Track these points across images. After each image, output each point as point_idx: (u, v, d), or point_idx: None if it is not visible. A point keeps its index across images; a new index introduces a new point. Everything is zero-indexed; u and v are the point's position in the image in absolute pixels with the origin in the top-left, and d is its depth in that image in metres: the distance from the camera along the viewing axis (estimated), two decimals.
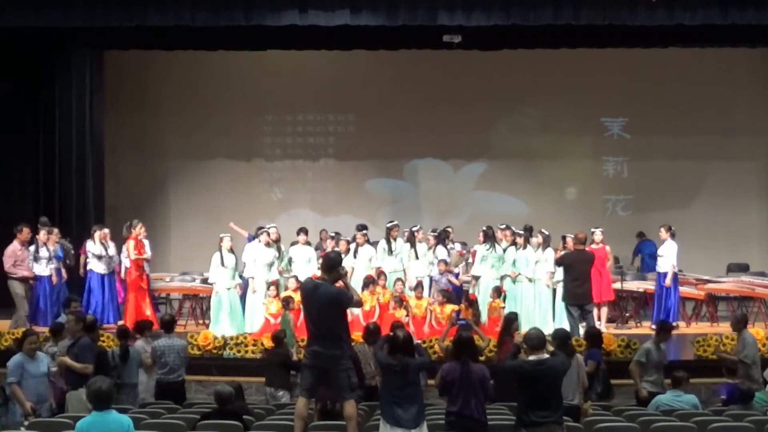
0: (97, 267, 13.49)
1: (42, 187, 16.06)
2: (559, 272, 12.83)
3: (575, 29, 13.71)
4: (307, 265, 13.25)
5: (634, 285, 14.38)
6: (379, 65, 16.85)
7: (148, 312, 13.21)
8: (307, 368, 7.79)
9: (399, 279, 12.98)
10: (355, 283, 12.67)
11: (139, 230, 13.34)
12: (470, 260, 13.97)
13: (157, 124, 17.55)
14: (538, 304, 13.16)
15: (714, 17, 13.17)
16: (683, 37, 14.64)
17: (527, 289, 13.23)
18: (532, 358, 7.21)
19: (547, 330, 10.21)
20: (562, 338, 8.70)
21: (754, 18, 13.13)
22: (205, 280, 14.62)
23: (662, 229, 13.66)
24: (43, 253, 13.19)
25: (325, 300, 7.67)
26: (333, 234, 13.97)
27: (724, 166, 17.30)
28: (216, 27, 13.65)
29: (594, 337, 10.19)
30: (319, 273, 11.87)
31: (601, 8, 13.17)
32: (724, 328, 13.27)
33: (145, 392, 9.83)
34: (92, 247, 13.50)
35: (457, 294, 13.15)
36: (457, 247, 14.03)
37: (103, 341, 11.26)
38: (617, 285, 13.84)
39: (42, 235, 13.29)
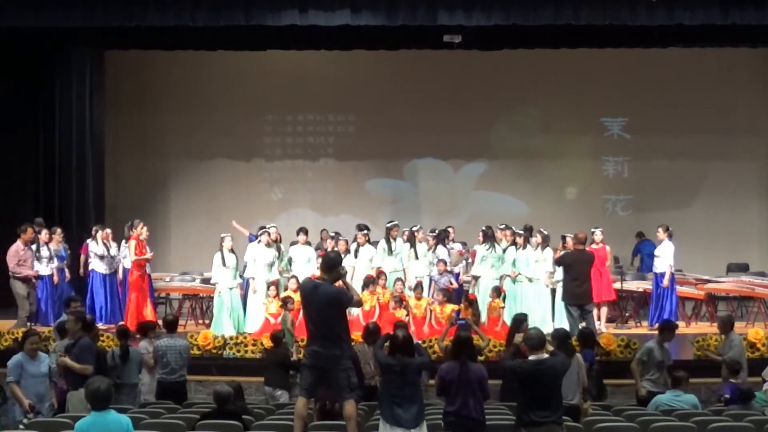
0: (99, 267, 13.50)
1: (42, 187, 16.06)
2: (559, 272, 12.83)
3: (575, 29, 13.71)
4: (307, 265, 13.26)
5: (633, 285, 14.38)
6: (379, 65, 16.86)
7: (147, 312, 13.18)
8: (306, 368, 7.78)
9: (399, 279, 12.98)
10: (356, 283, 12.70)
11: (140, 230, 13.33)
12: (470, 260, 13.98)
13: (158, 124, 17.55)
14: (537, 304, 13.16)
15: (714, 17, 13.17)
16: (683, 37, 14.65)
17: (527, 289, 13.23)
18: (531, 357, 7.21)
19: (547, 330, 10.22)
20: (561, 338, 8.70)
21: (754, 18, 13.13)
22: (205, 280, 14.63)
23: (660, 229, 13.67)
24: (44, 252, 13.20)
25: (325, 300, 7.67)
26: (333, 234, 13.96)
27: (724, 166, 17.31)
28: (216, 27, 13.65)
29: (587, 337, 10.17)
30: (318, 273, 11.97)
31: (601, 8, 13.17)
32: None
33: (148, 393, 9.83)
34: (94, 247, 13.50)
35: (457, 294, 13.16)
36: (457, 247, 14.02)
37: (103, 341, 11.28)
38: (617, 285, 13.84)
39: (43, 235, 13.29)
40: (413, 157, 17.81)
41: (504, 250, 13.41)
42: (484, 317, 12.43)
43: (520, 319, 10.25)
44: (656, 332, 12.13)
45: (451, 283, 13.23)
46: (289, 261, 13.49)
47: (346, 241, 13.46)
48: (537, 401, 7.11)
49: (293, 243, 13.67)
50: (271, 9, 13.38)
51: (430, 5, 13.26)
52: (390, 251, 13.46)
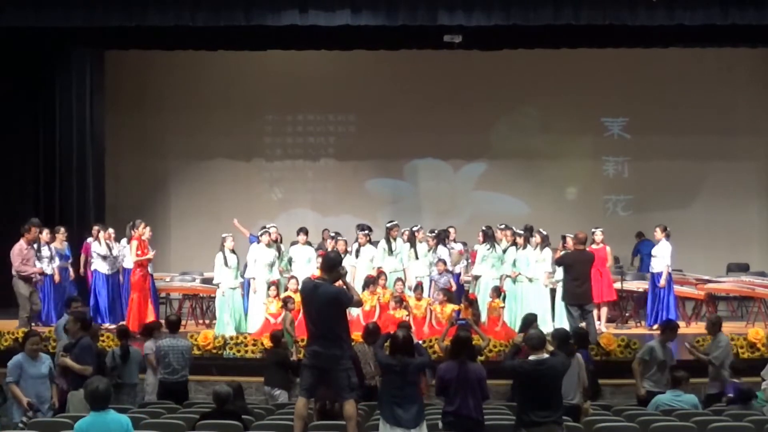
0: (102, 267, 13.51)
1: (42, 187, 16.07)
2: (558, 272, 12.84)
3: (575, 29, 13.71)
4: (307, 265, 13.26)
5: (634, 285, 14.38)
6: (379, 65, 16.87)
7: (148, 312, 13.18)
8: (306, 368, 7.78)
9: (399, 279, 12.98)
10: (357, 283, 12.70)
11: (142, 230, 13.33)
12: (469, 260, 13.97)
13: (158, 124, 17.56)
14: (537, 304, 13.14)
15: (714, 17, 13.17)
16: (683, 37, 14.65)
17: (527, 289, 13.22)
18: (532, 357, 7.21)
19: (547, 330, 10.21)
20: (562, 338, 8.70)
21: (754, 18, 13.13)
22: (205, 280, 14.65)
23: (657, 229, 13.68)
24: (45, 252, 13.20)
25: (325, 300, 7.66)
26: (333, 234, 13.96)
27: (724, 166, 17.32)
28: (216, 27, 13.64)
29: (581, 337, 10.15)
30: (317, 273, 11.98)
31: (601, 8, 13.17)
32: (725, 328, 13.14)
33: (152, 393, 9.83)
34: (97, 247, 13.51)
35: (457, 294, 13.16)
36: (458, 247, 14.01)
37: (103, 341, 11.28)
38: (617, 285, 13.84)
39: (44, 234, 13.29)
40: (413, 157, 17.82)
41: (504, 251, 13.41)
42: (484, 317, 12.42)
43: (530, 319, 10.25)
44: (655, 332, 12.21)
45: (451, 283, 13.23)
46: (290, 261, 13.49)
47: (345, 242, 13.45)
48: (537, 401, 7.10)
49: (293, 243, 13.67)
50: (271, 9, 13.38)
51: (430, 5, 13.26)
52: (390, 251, 13.45)
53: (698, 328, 13.49)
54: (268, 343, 10.86)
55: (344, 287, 8.04)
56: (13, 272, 12.68)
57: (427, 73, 17.07)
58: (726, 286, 14.58)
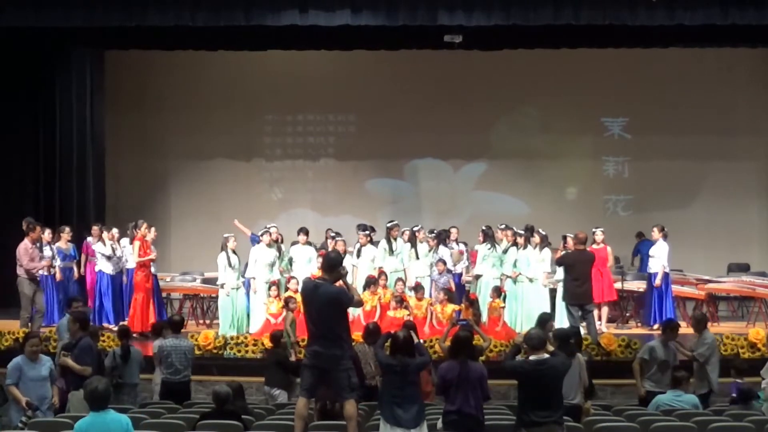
0: (106, 268, 13.52)
1: (42, 187, 16.07)
2: (558, 272, 12.85)
3: (575, 29, 13.70)
4: (307, 265, 13.27)
5: (634, 285, 14.38)
6: (379, 65, 16.86)
7: (151, 312, 13.20)
8: (307, 368, 7.77)
9: (400, 279, 12.98)
10: (358, 283, 12.70)
11: (144, 231, 13.32)
12: (470, 260, 13.96)
13: (158, 124, 17.56)
14: (538, 304, 13.15)
15: (714, 17, 13.17)
16: (683, 37, 14.65)
17: (527, 289, 13.23)
18: (532, 357, 7.21)
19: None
20: (563, 338, 8.69)
21: (754, 18, 13.12)
22: (205, 280, 14.67)
23: (655, 229, 13.70)
24: (47, 252, 13.20)
25: (326, 300, 7.66)
26: (333, 234, 13.95)
27: (724, 166, 17.32)
28: (216, 27, 13.63)
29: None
30: (317, 273, 11.97)
31: (601, 8, 13.16)
32: (725, 328, 13.31)
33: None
34: (101, 248, 13.51)
35: (458, 294, 13.16)
36: (457, 246, 14.00)
37: (104, 341, 11.29)
38: (618, 285, 13.84)
39: (46, 234, 13.29)
40: (413, 157, 17.82)
41: (505, 251, 13.41)
42: (484, 317, 12.42)
43: (545, 319, 10.23)
44: (655, 332, 12.21)
45: (451, 284, 13.24)
46: (290, 261, 13.49)
47: (344, 242, 13.43)
48: (537, 401, 7.10)
49: (294, 243, 13.67)
50: (271, 9, 13.37)
51: (431, 5, 13.25)
52: (391, 251, 13.45)
53: None
54: (268, 343, 10.86)
55: (345, 287, 8.04)
56: (19, 272, 12.61)
57: (427, 73, 17.07)
58: (726, 286, 14.59)
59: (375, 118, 17.50)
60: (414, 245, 13.53)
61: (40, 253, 13.05)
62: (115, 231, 13.80)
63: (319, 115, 17.94)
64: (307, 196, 17.93)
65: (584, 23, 13.32)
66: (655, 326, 12.97)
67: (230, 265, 12.89)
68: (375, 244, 13.67)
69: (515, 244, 13.39)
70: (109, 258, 13.51)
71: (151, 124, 17.58)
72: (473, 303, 12.19)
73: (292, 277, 12.81)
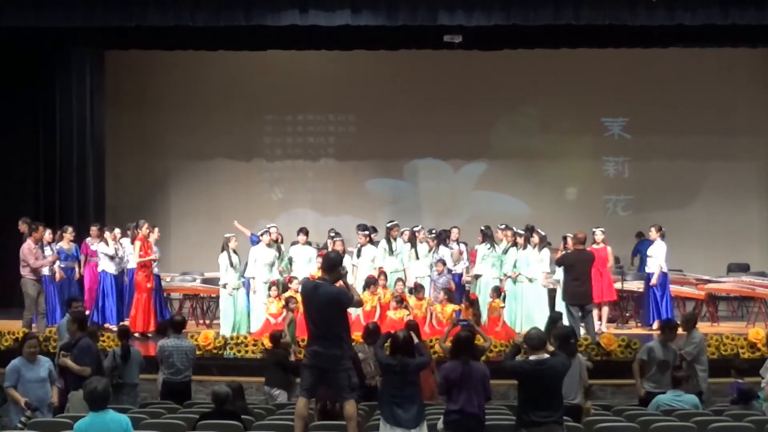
0: (109, 268, 13.54)
1: (42, 187, 16.07)
2: (557, 272, 12.86)
3: (575, 29, 13.70)
4: (307, 265, 13.27)
5: (634, 285, 14.38)
6: (379, 65, 16.86)
7: (151, 312, 13.20)
8: (307, 368, 7.78)
9: (400, 279, 12.99)
10: (358, 283, 12.70)
11: (145, 230, 13.32)
12: (468, 260, 13.95)
13: (158, 124, 17.55)
14: (537, 304, 13.15)
15: (714, 17, 13.16)
16: (683, 37, 14.65)
17: (527, 289, 13.23)
18: (532, 358, 7.21)
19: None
20: (563, 338, 8.69)
21: (754, 18, 13.12)
22: (205, 280, 14.68)
23: (652, 229, 13.71)
24: (48, 252, 13.20)
25: (326, 300, 7.66)
26: (333, 234, 13.94)
27: (724, 166, 17.32)
28: (216, 27, 13.63)
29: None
30: (316, 273, 11.99)
31: (601, 8, 13.16)
32: (725, 328, 13.32)
33: None
34: (104, 248, 13.51)
35: (458, 294, 13.16)
36: (457, 246, 13.99)
37: (104, 341, 11.28)
38: (618, 285, 13.84)
39: (47, 234, 13.29)
40: (413, 157, 17.82)
41: (505, 251, 13.41)
42: (484, 317, 12.42)
43: (555, 318, 10.22)
44: (654, 332, 12.21)
45: (450, 284, 13.24)
46: (290, 261, 13.49)
47: (343, 241, 13.44)
48: (537, 401, 7.10)
49: (294, 243, 13.67)
50: (271, 9, 13.36)
51: (431, 5, 13.25)
52: (391, 251, 13.45)
53: (699, 328, 13.43)
54: (268, 343, 10.86)
55: (345, 287, 8.04)
56: (23, 273, 12.56)
57: (427, 73, 17.07)
58: (726, 286, 14.59)
59: (375, 118, 17.49)
60: (414, 245, 13.53)
61: (42, 254, 13.07)
62: (117, 231, 13.80)
63: (319, 115, 17.94)
64: (307, 196, 17.92)
65: (584, 23, 13.32)
66: (654, 326, 12.96)
67: (232, 265, 12.89)
68: (375, 244, 13.66)
69: (515, 244, 13.39)
70: (112, 258, 13.52)
71: (151, 124, 17.57)
72: (473, 303, 12.20)
73: (293, 278, 12.81)
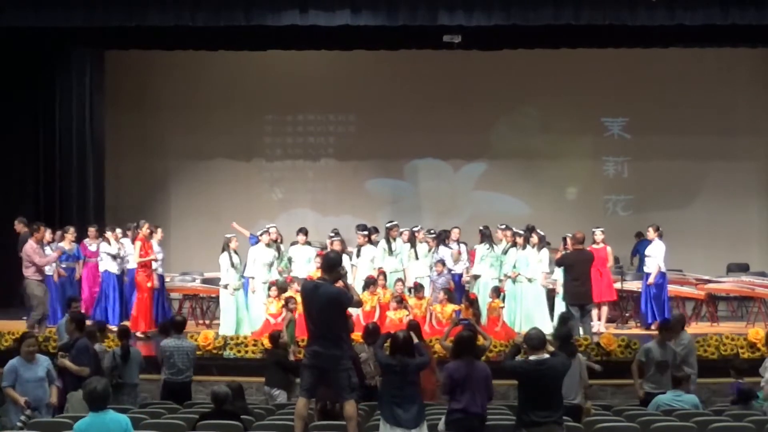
0: (112, 267, 13.55)
1: (42, 187, 16.07)
2: (556, 272, 12.85)
3: (575, 29, 13.70)
4: (307, 265, 13.27)
5: (634, 285, 14.38)
6: (379, 65, 16.86)
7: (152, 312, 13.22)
8: (307, 368, 7.78)
9: (399, 279, 12.99)
10: (358, 283, 12.70)
11: (145, 230, 13.32)
12: (468, 260, 13.94)
13: (158, 124, 17.55)
14: (537, 304, 13.16)
15: (714, 17, 13.17)
16: (683, 37, 14.66)
17: (526, 289, 13.22)
18: (532, 358, 7.21)
19: (546, 330, 10.20)
20: (563, 338, 8.70)
21: (754, 18, 13.13)
22: (205, 280, 14.67)
23: (650, 229, 13.71)
24: (48, 252, 13.20)
25: (326, 300, 7.67)
26: (332, 234, 13.94)
27: (724, 166, 17.32)
28: (216, 27, 13.64)
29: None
30: (314, 273, 12.00)
31: (601, 8, 13.16)
32: (725, 328, 13.32)
33: None
34: (107, 248, 13.52)
35: (458, 294, 13.16)
36: (455, 247, 13.98)
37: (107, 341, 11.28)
38: (617, 285, 13.84)
39: (47, 234, 13.29)
40: (413, 157, 17.82)
41: (505, 252, 13.41)
42: (483, 317, 12.41)
43: (566, 318, 10.21)
44: (653, 332, 12.21)
45: (450, 284, 13.24)
46: (289, 260, 13.49)
47: (341, 241, 13.44)
48: (537, 401, 7.10)
49: (293, 243, 13.66)
50: (271, 9, 13.37)
51: (431, 5, 13.25)
52: (390, 251, 13.45)
53: (698, 328, 13.52)
54: (267, 343, 10.86)
55: (345, 287, 8.04)
56: (27, 274, 12.52)
57: (427, 73, 17.07)
58: (726, 286, 14.58)
59: (375, 118, 17.49)
60: (413, 245, 13.53)
61: (43, 253, 13.07)
62: (119, 231, 13.80)
63: (319, 115, 17.94)
64: (308, 196, 17.92)
65: (584, 23, 13.33)
66: (653, 326, 12.96)
67: (233, 265, 12.90)
68: (375, 244, 13.65)
69: (514, 244, 13.39)
70: (114, 257, 13.52)
71: (151, 124, 17.57)
72: (473, 303, 12.19)
73: (295, 278, 12.80)
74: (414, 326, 9.48)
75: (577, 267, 12.08)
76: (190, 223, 17.35)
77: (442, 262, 13.36)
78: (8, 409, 8.45)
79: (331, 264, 7.96)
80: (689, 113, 17.16)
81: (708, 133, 17.24)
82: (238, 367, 11.52)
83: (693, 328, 13.48)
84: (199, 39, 15.02)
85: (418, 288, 12.87)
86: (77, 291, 13.63)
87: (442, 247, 13.65)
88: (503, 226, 13.72)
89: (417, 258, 13.50)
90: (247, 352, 11.80)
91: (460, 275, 13.80)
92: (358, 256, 13.39)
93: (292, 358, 10.57)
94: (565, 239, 13.14)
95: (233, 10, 13.27)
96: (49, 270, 13.14)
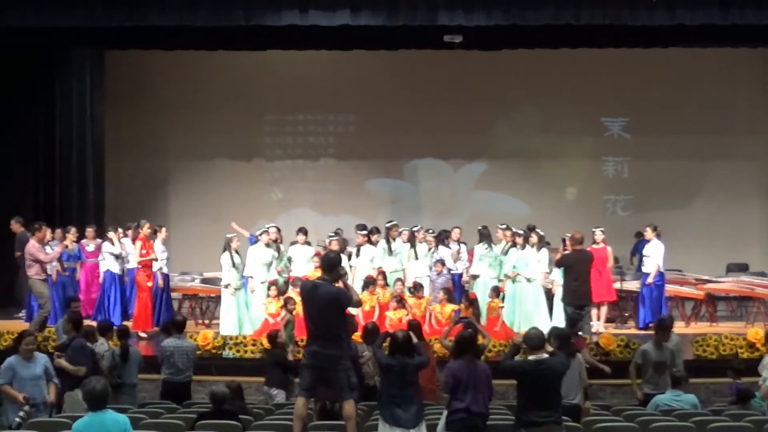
0: (114, 267, 13.56)
1: (42, 187, 16.08)
2: (554, 273, 12.84)
3: (575, 29, 13.69)
4: (307, 264, 13.27)
5: (633, 285, 14.37)
6: (379, 65, 16.87)
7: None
8: (306, 368, 7.78)
9: (399, 279, 12.99)
10: (357, 283, 12.70)
11: (146, 230, 13.32)
12: (466, 260, 13.94)
13: (157, 123, 17.54)
14: (536, 304, 13.15)
15: (714, 17, 13.16)
16: (683, 37, 14.65)
17: (526, 289, 13.22)
18: (531, 357, 7.22)
19: (545, 330, 10.19)
20: (563, 338, 8.69)
21: (754, 18, 13.12)
22: (205, 280, 14.67)
23: (648, 229, 13.70)
24: (48, 251, 13.20)
25: (325, 300, 7.67)
26: (332, 233, 13.95)
27: (724, 166, 17.32)
28: (216, 27, 13.63)
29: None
30: (312, 273, 12.00)
31: (601, 8, 13.16)
32: (724, 328, 13.32)
33: None
34: (110, 247, 13.52)
35: (458, 294, 13.16)
36: (455, 247, 13.98)
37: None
38: (617, 285, 13.84)
39: (47, 234, 13.29)
40: (413, 157, 17.82)
41: (505, 252, 13.41)
42: (483, 317, 12.41)
43: (576, 319, 10.20)
44: (650, 332, 12.21)
45: (448, 283, 13.23)
46: (289, 260, 13.49)
47: (339, 241, 13.44)
48: (537, 401, 7.11)
49: (293, 243, 13.67)
50: (271, 9, 13.36)
51: (431, 5, 13.25)
52: (390, 251, 13.46)
53: (698, 328, 13.54)
54: (267, 343, 10.86)
55: (344, 287, 8.05)
56: (30, 273, 12.51)
57: (427, 73, 17.07)
58: (725, 286, 14.58)
59: (375, 118, 17.49)
60: (413, 245, 13.53)
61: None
62: (120, 230, 13.81)
63: (319, 115, 17.94)
64: (308, 196, 17.91)
65: (584, 23, 13.32)
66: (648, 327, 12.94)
67: (234, 265, 12.91)
68: (375, 244, 13.64)
69: (514, 244, 13.38)
70: (117, 257, 13.53)
71: (151, 124, 17.55)
72: (473, 302, 12.18)
73: (296, 278, 12.79)
74: (415, 326, 9.48)
75: (576, 267, 12.07)
76: (189, 223, 17.34)
77: (442, 262, 13.36)
78: (6, 407, 8.44)
79: (331, 264, 7.97)
80: (689, 113, 17.17)
81: (708, 133, 17.24)
82: (237, 366, 11.52)
83: (692, 328, 13.54)
84: (199, 39, 15.01)
85: (417, 288, 12.86)
86: (78, 291, 13.62)
87: (441, 247, 13.65)
88: (504, 226, 13.71)
89: (417, 258, 13.50)
90: (246, 352, 11.80)
91: (460, 275, 13.80)
92: (357, 256, 13.39)
93: (290, 357, 10.57)
94: (564, 240, 13.13)
95: (233, 10, 13.26)
96: (48, 269, 13.14)
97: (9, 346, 11.44)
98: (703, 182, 17.45)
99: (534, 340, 7.29)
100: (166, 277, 13.71)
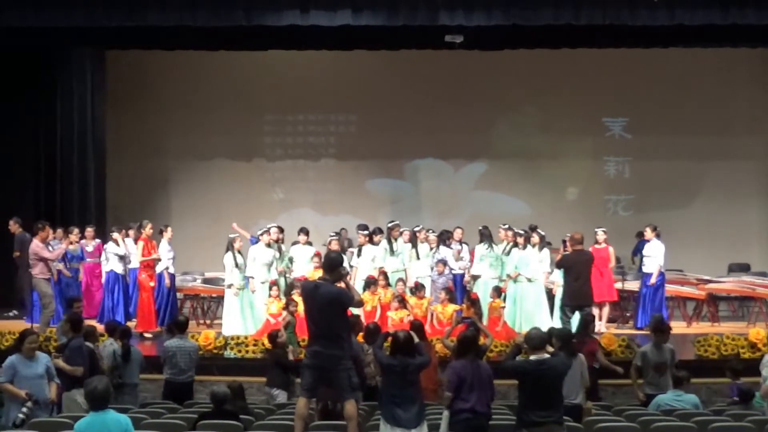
0: (118, 267, 13.56)
1: (42, 187, 16.08)
2: (556, 273, 12.84)
3: (575, 29, 13.69)
4: (308, 264, 13.26)
5: (635, 285, 14.37)
6: (379, 65, 16.87)
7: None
8: (307, 368, 7.78)
9: (401, 279, 12.98)
10: (359, 283, 12.70)
11: (148, 231, 13.31)
12: (467, 260, 13.93)
13: (158, 123, 17.54)
14: (537, 304, 13.15)
15: (714, 17, 13.16)
16: (683, 37, 14.65)
17: (527, 290, 13.22)
18: (533, 357, 7.22)
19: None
20: (564, 338, 8.69)
21: (754, 18, 13.12)
22: (206, 280, 14.67)
23: (647, 229, 13.71)
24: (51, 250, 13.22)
25: (327, 300, 7.67)
26: (332, 233, 13.94)
27: (724, 166, 17.33)
28: (216, 27, 13.62)
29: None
30: (311, 273, 11.99)
31: (601, 8, 13.16)
32: (725, 328, 13.32)
33: None
34: (114, 248, 13.52)
35: (459, 294, 13.16)
36: (456, 247, 13.98)
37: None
38: (618, 285, 13.84)
39: (50, 234, 13.29)
40: (414, 157, 17.82)
41: (507, 253, 13.40)
42: (485, 317, 12.40)
43: (588, 320, 10.20)
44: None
45: (449, 283, 13.23)
46: (290, 260, 13.49)
47: (338, 241, 13.41)
48: (538, 401, 7.11)
49: (294, 243, 13.67)
50: (271, 9, 13.36)
51: (431, 5, 13.25)
52: (392, 251, 13.46)
53: (699, 328, 13.54)
54: (268, 343, 10.86)
55: (345, 287, 8.04)
56: (34, 272, 12.48)
57: (428, 73, 17.07)
58: (727, 286, 14.58)
59: (375, 118, 17.50)
60: (415, 245, 13.53)
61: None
62: (123, 230, 13.81)
63: (320, 115, 17.94)
64: (308, 196, 17.91)
65: (584, 23, 13.31)
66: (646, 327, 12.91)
67: (237, 265, 12.91)
68: (377, 244, 13.63)
69: (516, 244, 13.38)
70: (121, 258, 13.54)
71: (152, 124, 17.55)
72: (475, 302, 12.18)
73: (298, 278, 12.78)
74: (417, 326, 9.49)
75: (576, 267, 12.06)
76: (190, 223, 17.31)
77: (443, 262, 13.36)
78: (7, 407, 8.44)
79: (332, 264, 7.96)
80: (689, 113, 17.18)
81: (708, 133, 17.25)
82: (238, 367, 11.51)
83: (694, 328, 13.54)
84: (199, 39, 15.00)
85: (418, 288, 12.86)
86: (81, 291, 13.62)
87: (442, 247, 13.65)
88: (505, 226, 13.70)
89: (418, 258, 13.50)
90: (247, 352, 11.80)
91: (462, 275, 13.79)
92: (359, 256, 13.39)
93: (291, 357, 10.56)
94: (564, 242, 13.12)
95: (233, 10, 13.25)
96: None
97: (10, 346, 11.46)
98: (704, 182, 17.46)
99: (535, 340, 7.29)
100: (172, 277, 13.69)
